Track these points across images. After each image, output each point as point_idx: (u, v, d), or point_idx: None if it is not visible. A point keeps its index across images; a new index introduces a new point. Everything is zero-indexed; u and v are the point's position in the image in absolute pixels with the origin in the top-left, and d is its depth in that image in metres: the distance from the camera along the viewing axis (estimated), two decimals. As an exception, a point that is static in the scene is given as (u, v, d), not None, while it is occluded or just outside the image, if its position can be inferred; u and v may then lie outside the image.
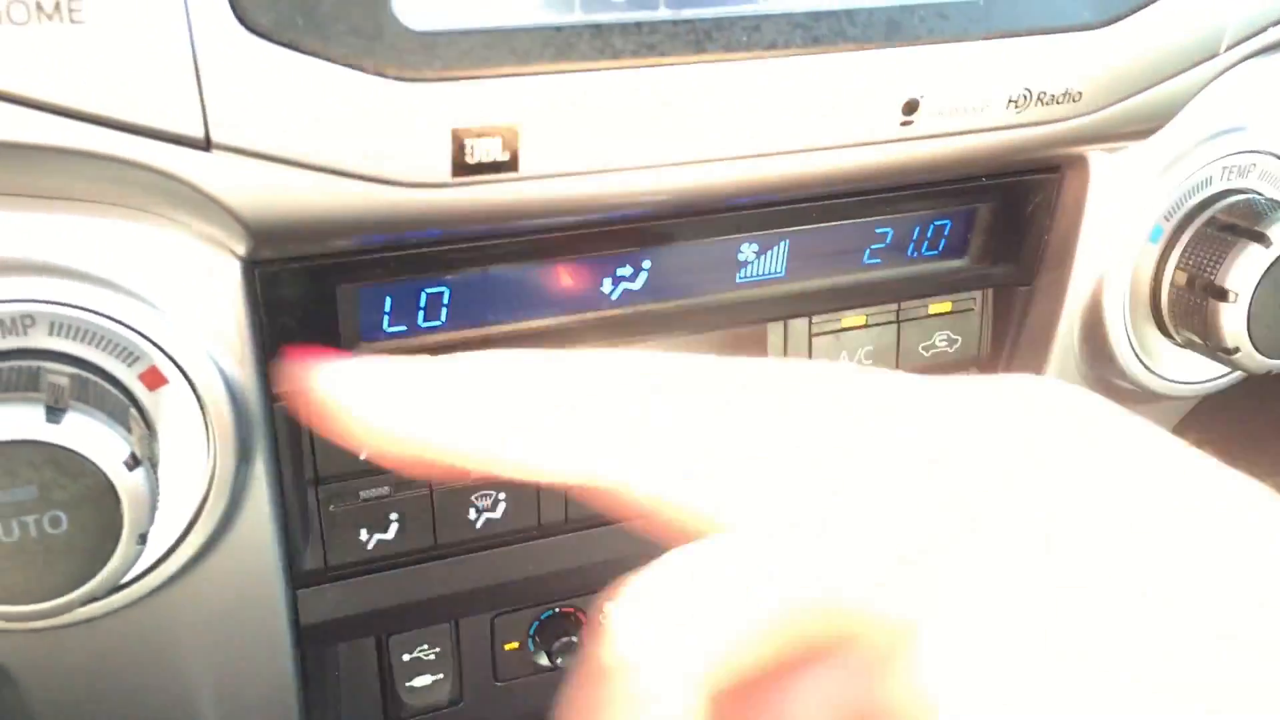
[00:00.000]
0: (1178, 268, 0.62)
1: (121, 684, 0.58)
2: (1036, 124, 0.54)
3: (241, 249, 0.48)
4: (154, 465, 0.47)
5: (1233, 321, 0.59)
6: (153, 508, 0.45)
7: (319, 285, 0.51)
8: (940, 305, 0.67)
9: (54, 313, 0.45)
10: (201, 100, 0.40)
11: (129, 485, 0.44)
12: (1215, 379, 0.69)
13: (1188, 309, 0.61)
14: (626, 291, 0.58)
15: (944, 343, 0.68)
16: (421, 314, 0.55)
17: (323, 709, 0.72)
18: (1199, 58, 0.56)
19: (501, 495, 0.62)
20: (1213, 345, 0.60)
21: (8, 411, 0.42)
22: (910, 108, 0.50)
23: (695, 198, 0.53)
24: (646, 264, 0.58)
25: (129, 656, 0.57)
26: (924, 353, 0.68)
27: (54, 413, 0.42)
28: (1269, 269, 0.58)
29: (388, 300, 0.54)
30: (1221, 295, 0.59)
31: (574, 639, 0.78)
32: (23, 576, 0.44)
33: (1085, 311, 0.66)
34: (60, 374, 0.45)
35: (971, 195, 0.62)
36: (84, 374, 0.45)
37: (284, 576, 0.58)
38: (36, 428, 0.42)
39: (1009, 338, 0.69)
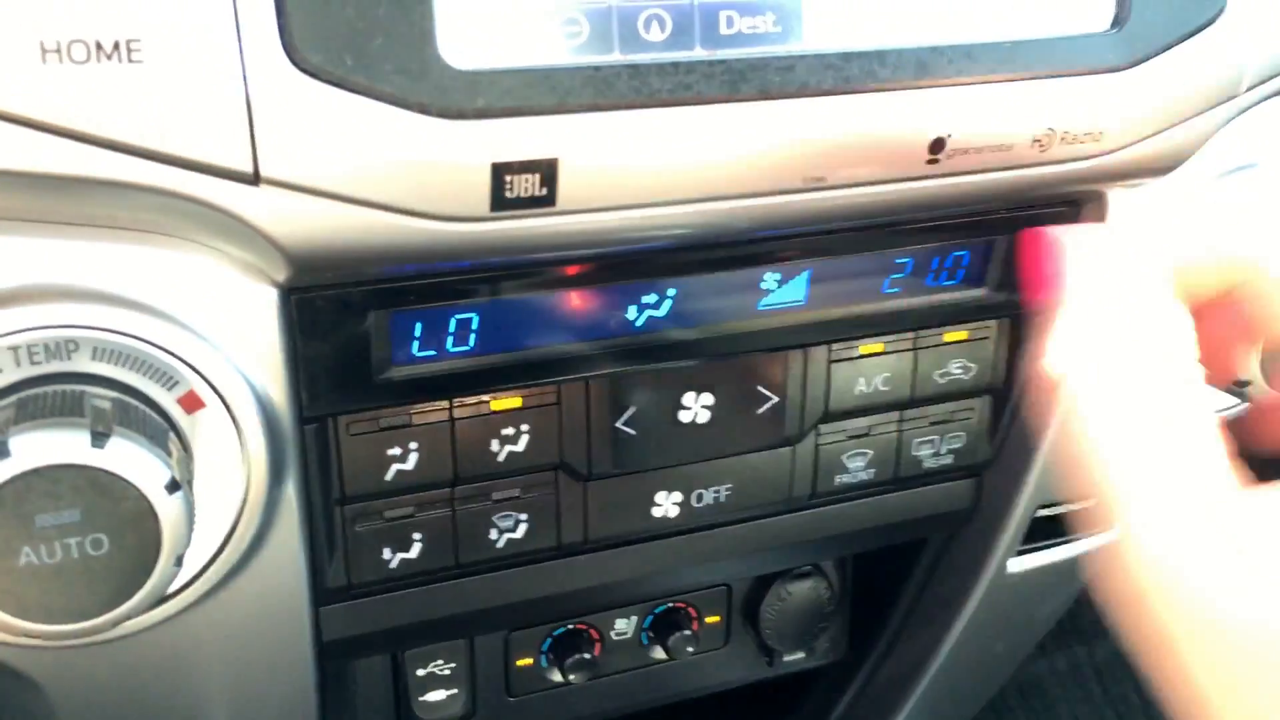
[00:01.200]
0: None
1: (147, 697, 0.59)
2: (1059, 161, 0.55)
3: (280, 277, 0.48)
4: (191, 487, 0.48)
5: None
6: (190, 530, 0.46)
7: (352, 311, 0.52)
8: (956, 334, 0.68)
9: (97, 338, 0.46)
10: (252, 136, 0.41)
11: (169, 508, 0.44)
12: (1225, 409, 0.70)
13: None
14: (650, 318, 0.59)
15: (959, 370, 0.69)
16: (451, 339, 0.56)
17: (339, 718, 0.73)
18: (1218, 99, 0.57)
19: (523, 516, 0.62)
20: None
21: (53, 436, 0.43)
22: (937, 146, 0.51)
23: (724, 230, 0.54)
24: (671, 292, 0.59)
25: (156, 671, 0.58)
26: (940, 380, 0.69)
27: (98, 437, 0.43)
28: None
29: (418, 326, 0.55)
30: None
31: (586, 655, 0.79)
32: (63, 597, 0.44)
33: (1100, 343, 0.67)
34: (103, 398, 0.45)
35: (990, 227, 0.63)
36: (125, 398, 0.46)
37: (309, 594, 0.58)
38: (82, 452, 0.43)
39: (1023, 366, 0.70)
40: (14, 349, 0.45)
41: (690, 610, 0.82)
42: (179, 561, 0.46)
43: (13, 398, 0.44)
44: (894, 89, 0.50)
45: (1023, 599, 0.84)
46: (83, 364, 0.46)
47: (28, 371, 0.45)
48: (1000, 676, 0.99)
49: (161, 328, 0.47)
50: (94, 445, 0.43)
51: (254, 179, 0.42)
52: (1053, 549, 0.80)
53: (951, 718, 1.01)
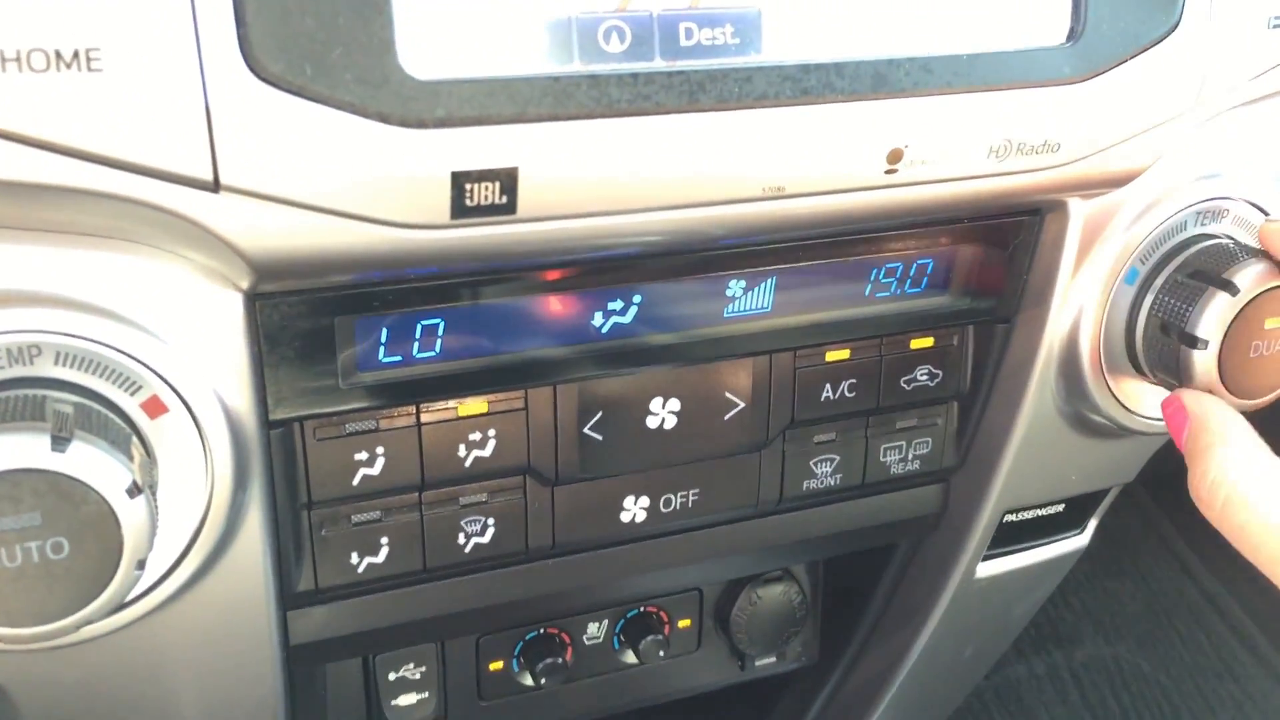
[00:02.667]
0: (1150, 313, 0.64)
1: (114, 701, 0.59)
2: (1016, 173, 0.55)
3: (244, 283, 0.49)
4: (153, 492, 0.48)
5: (1204, 367, 0.60)
6: (152, 534, 0.46)
7: (317, 317, 0.53)
8: (922, 340, 0.68)
9: (60, 343, 0.46)
10: (212, 144, 0.42)
11: (130, 513, 0.45)
12: None
13: (1161, 354, 0.63)
14: (616, 325, 0.60)
15: (925, 376, 0.70)
16: (417, 345, 0.56)
17: (309, 725, 0.73)
18: (1175, 112, 0.58)
19: (490, 521, 0.63)
20: (1185, 384, 0.62)
21: (13, 440, 0.43)
22: (895, 157, 0.52)
23: (686, 239, 0.54)
24: (636, 299, 0.59)
25: (122, 675, 0.58)
26: (906, 386, 0.69)
27: (59, 442, 0.43)
28: (1237, 316, 0.60)
29: (384, 331, 0.55)
30: (1192, 343, 0.61)
31: (558, 660, 0.79)
32: (24, 601, 0.45)
33: (1063, 348, 0.67)
34: (65, 403, 0.46)
35: (954, 236, 0.64)
36: (88, 403, 0.47)
37: (275, 598, 0.59)
38: (42, 456, 0.43)
39: (988, 373, 0.70)
40: None
41: (662, 615, 0.83)
42: (141, 565, 0.46)
43: (-27, 402, 0.45)
44: (851, 100, 0.50)
45: (992, 603, 0.84)
46: (45, 369, 0.47)
47: None
48: (972, 679, 1.00)
49: (124, 333, 0.47)
50: (55, 449, 0.43)
51: (214, 186, 0.42)
52: (1020, 553, 0.81)
53: (933, 710, 1.02)
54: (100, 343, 0.47)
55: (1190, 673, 1.45)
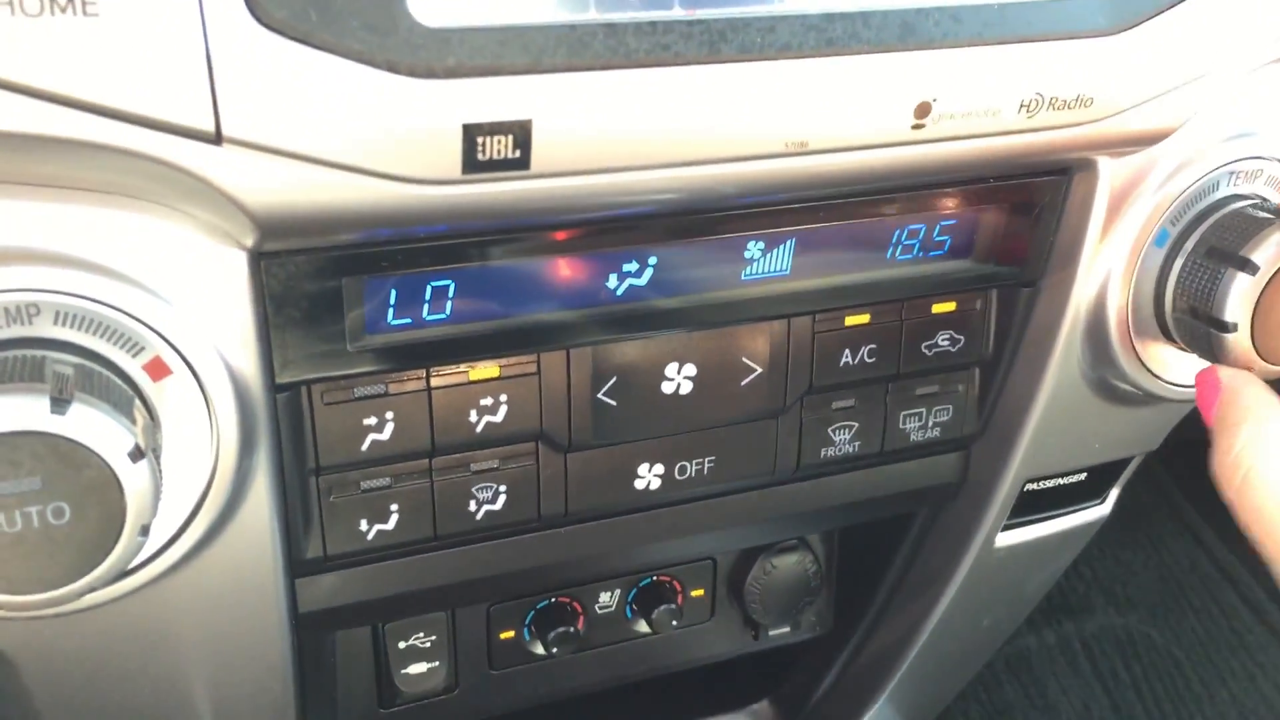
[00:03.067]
0: (1176, 294, 0.62)
1: (120, 669, 0.58)
2: (1047, 129, 0.53)
3: (248, 241, 0.47)
4: (157, 456, 0.47)
5: (1239, 348, 0.59)
6: (156, 499, 0.45)
7: (324, 278, 0.51)
8: (944, 305, 0.67)
9: (59, 302, 0.45)
10: (213, 94, 0.40)
11: (132, 477, 0.43)
12: None
13: (1194, 335, 0.62)
14: (631, 287, 0.58)
15: (946, 342, 0.68)
16: (427, 307, 0.55)
17: (319, 695, 0.72)
18: (1210, 66, 0.56)
19: (502, 487, 0.62)
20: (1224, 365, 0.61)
21: (12, 401, 0.42)
22: (923, 111, 0.50)
23: (705, 197, 0.53)
24: (652, 260, 0.58)
25: (127, 643, 0.57)
26: (927, 352, 0.68)
27: (58, 404, 0.42)
28: (1262, 293, 0.58)
29: (393, 293, 0.54)
30: (1222, 327, 0.59)
31: (569, 629, 0.78)
32: (25, 567, 0.43)
33: (1089, 313, 0.66)
34: (65, 364, 0.44)
35: (979, 197, 0.62)
36: (89, 364, 0.45)
37: (283, 565, 0.58)
38: (41, 419, 0.42)
39: (1011, 338, 0.69)
40: None
41: (674, 584, 0.82)
42: (145, 532, 0.45)
43: (-29, 362, 0.43)
44: (878, 51, 0.48)
45: (1010, 573, 0.83)
46: (44, 329, 0.45)
47: None
48: (986, 651, 0.99)
49: (126, 292, 0.46)
50: (54, 412, 0.42)
51: (216, 138, 0.41)
52: (1040, 523, 0.80)
53: (937, 692, 1.01)
54: (101, 302, 0.45)
55: (1202, 643, 1.45)
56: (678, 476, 0.66)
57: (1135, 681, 1.42)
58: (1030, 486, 0.75)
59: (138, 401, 0.46)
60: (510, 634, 0.79)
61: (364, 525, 0.60)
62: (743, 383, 0.64)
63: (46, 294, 0.45)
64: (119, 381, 0.46)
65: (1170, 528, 1.59)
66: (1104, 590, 1.50)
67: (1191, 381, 0.68)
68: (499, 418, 0.60)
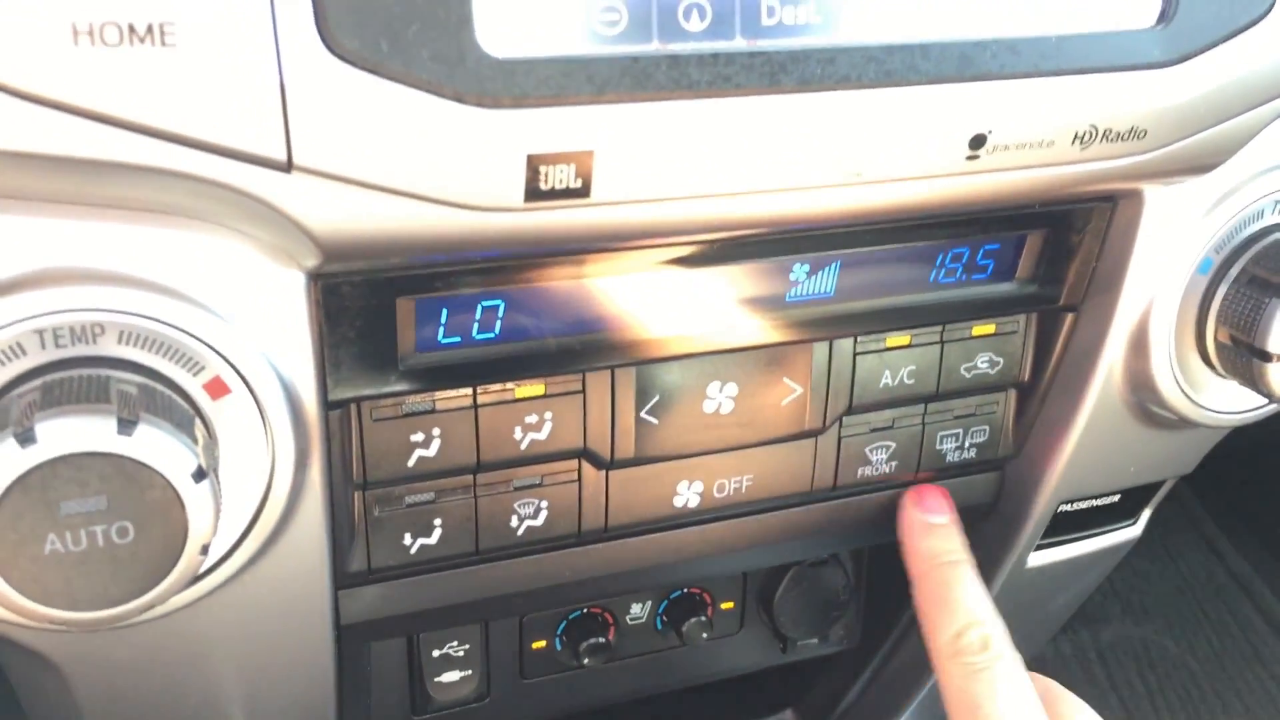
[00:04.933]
0: (1219, 321, 0.63)
1: (166, 680, 0.59)
2: (1100, 159, 0.54)
3: (309, 263, 0.48)
4: (216, 475, 0.47)
5: None
6: (216, 519, 0.45)
7: (379, 298, 0.52)
8: (984, 327, 0.67)
9: (123, 322, 0.45)
10: (286, 123, 0.40)
11: (195, 497, 0.44)
12: (1255, 409, 0.70)
13: (1235, 364, 0.62)
14: (677, 308, 0.59)
15: (985, 364, 0.68)
16: (476, 326, 0.55)
17: (355, 702, 0.73)
18: (1265, 97, 0.56)
19: (544, 503, 0.62)
20: (1264, 394, 0.61)
21: (80, 423, 0.42)
22: (978, 142, 0.50)
23: (758, 225, 0.53)
24: (700, 281, 0.58)
25: (175, 654, 0.58)
26: (965, 374, 0.68)
27: (125, 424, 0.42)
28: None
29: (444, 312, 0.54)
30: (1265, 357, 0.59)
31: (600, 639, 0.79)
32: (88, 584, 0.44)
33: (1130, 339, 0.66)
34: (129, 384, 0.45)
35: (1024, 222, 0.62)
36: (151, 384, 0.46)
37: (330, 578, 0.58)
38: (109, 440, 0.42)
39: (1051, 362, 0.69)
40: (39, 331, 0.44)
41: (705, 596, 0.82)
42: (205, 550, 0.45)
43: (38, 381, 0.44)
44: (936, 82, 0.49)
45: (1039, 591, 0.83)
46: (108, 348, 0.46)
47: (53, 355, 0.45)
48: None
49: (188, 312, 0.46)
50: (121, 433, 0.42)
51: (287, 166, 0.41)
52: (1072, 544, 0.80)
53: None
54: (164, 322, 0.46)
55: (1217, 655, 1.44)
56: (716, 494, 0.66)
57: (1150, 692, 1.42)
58: (1064, 508, 0.76)
59: (198, 420, 0.47)
60: (542, 644, 0.80)
61: (407, 539, 0.60)
62: (783, 402, 0.65)
63: (110, 314, 0.45)
64: (181, 401, 0.46)
65: (1188, 539, 1.59)
66: (1121, 600, 1.50)
67: (1231, 407, 0.69)
68: (543, 435, 0.60)
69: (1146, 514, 0.82)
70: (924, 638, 0.62)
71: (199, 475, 0.44)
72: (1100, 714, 1.34)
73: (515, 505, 0.62)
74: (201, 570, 0.51)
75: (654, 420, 0.62)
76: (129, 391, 0.44)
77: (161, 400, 0.45)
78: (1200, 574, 1.57)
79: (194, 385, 0.48)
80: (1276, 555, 1.52)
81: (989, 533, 0.78)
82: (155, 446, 0.43)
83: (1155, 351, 0.66)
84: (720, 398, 0.63)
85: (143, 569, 0.44)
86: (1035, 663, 1.37)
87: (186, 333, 0.46)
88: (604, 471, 0.63)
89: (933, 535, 0.67)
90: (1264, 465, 1.37)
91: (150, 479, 0.43)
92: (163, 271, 0.46)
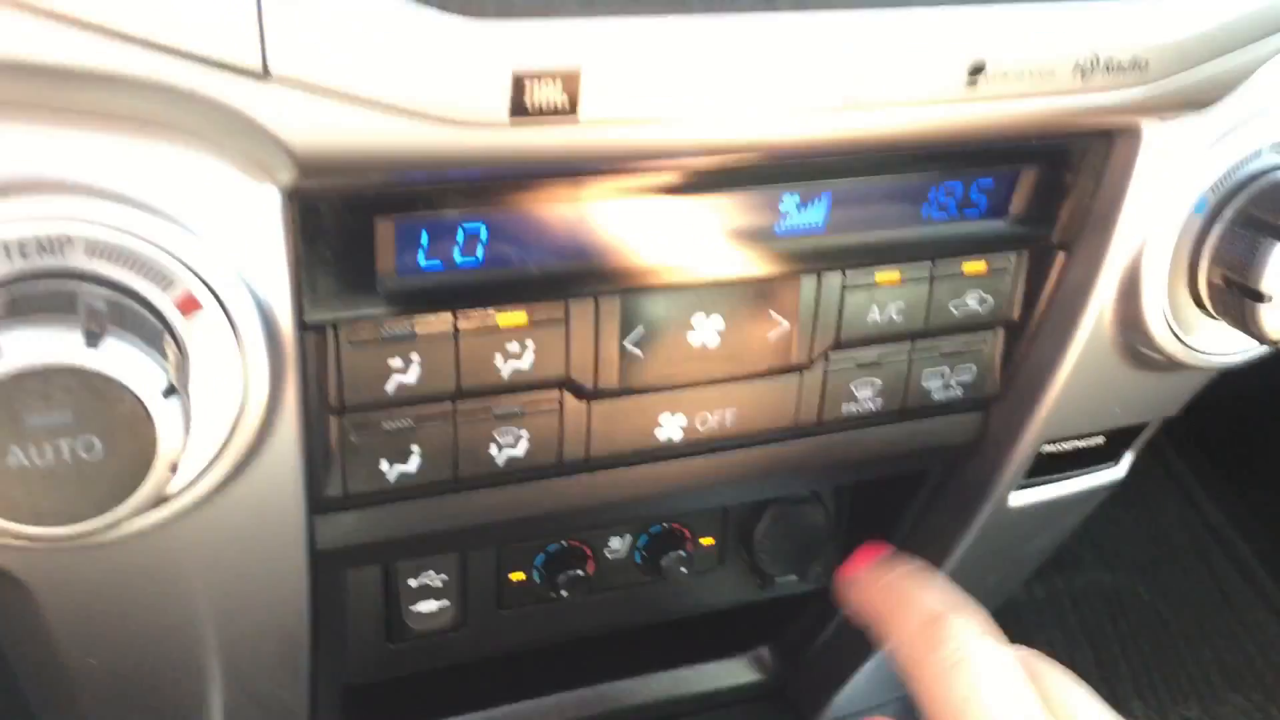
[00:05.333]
0: (1212, 262, 0.62)
1: (137, 601, 0.58)
2: (1100, 90, 0.52)
3: (285, 178, 0.46)
4: (186, 392, 0.46)
5: (1273, 320, 0.58)
6: (186, 435, 0.44)
7: (357, 217, 0.50)
8: (974, 265, 0.66)
9: (91, 234, 0.44)
10: (261, 29, 0.39)
11: (164, 413, 0.43)
12: (1244, 352, 0.69)
13: (1227, 305, 0.61)
14: (665, 237, 0.57)
15: (975, 302, 0.67)
16: (458, 250, 0.54)
17: (329, 630, 0.72)
18: (1266, 30, 0.55)
19: (525, 433, 0.61)
20: (1255, 336, 0.60)
21: (45, 334, 0.41)
22: (977, 69, 0.49)
23: (752, 150, 0.52)
24: (687, 211, 0.57)
25: (146, 575, 0.57)
26: (954, 311, 0.67)
27: (92, 337, 0.41)
28: None
29: (425, 235, 0.53)
30: (1258, 297, 0.58)
31: (579, 572, 0.78)
32: (53, 499, 0.43)
33: (1122, 278, 0.65)
34: (97, 297, 0.43)
35: (1018, 157, 0.61)
36: (120, 298, 0.44)
37: (305, 503, 0.57)
38: (75, 352, 0.41)
39: (1041, 301, 0.68)
40: (4, 243, 0.43)
41: (685, 532, 0.82)
42: (173, 468, 0.44)
43: (2, 293, 0.42)
44: (936, 5, 0.47)
45: (1019, 532, 0.83)
46: (76, 260, 0.44)
47: (19, 266, 0.43)
48: (988, 608, 0.99)
49: (159, 225, 0.45)
50: (88, 346, 0.41)
51: (262, 73, 0.40)
52: (1055, 483, 0.80)
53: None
54: (134, 234, 0.44)
55: (1189, 602, 1.46)
56: (699, 427, 0.65)
57: (1121, 637, 1.43)
58: (1047, 449, 0.75)
59: (169, 337, 0.46)
60: (520, 576, 0.80)
61: (385, 465, 0.59)
62: (769, 336, 0.64)
63: (79, 224, 0.44)
64: (150, 316, 0.45)
65: (1161, 486, 1.60)
66: (1094, 546, 1.51)
67: (1222, 349, 0.68)
68: (525, 363, 0.59)
69: (1129, 456, 0.82)
70: (888, 650, 0.53)
71: (169, 391, 0.43)
72: (1072, 659, 1.35)
73: (495, 434, 0.61)
74: (173, 490, 0.51)
75: (638, 351, 0.61)
76: (96, 305, 0.43)
77: (130, 315, 0.44)
78: (1174, 522, 1.58)
79: (165, 301, 0.46)
80: (1250, 504, 1.54)
81: (971, 471, 0.78)
82: (123, 361, 0.42)
83: (1147, 292, 0.65)
84: (706, 329, 0.62)
85: (110, 485, 0.43)
86: (1008, 607, 1.38)
87: (157, 246, 0.45)
88: (586, 402, 0.62)
89: (868, 571, 0.59)
90: (1240, 415, 1.37)
91: (118, 394, 0.42)
92: (133, 184, 0.45)
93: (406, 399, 0.58)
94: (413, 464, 0.60)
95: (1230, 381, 0.77)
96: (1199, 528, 1.57)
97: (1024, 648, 0.52)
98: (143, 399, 0.42)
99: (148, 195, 0.45)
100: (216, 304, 0.47)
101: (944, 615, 0.51)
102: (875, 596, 0.56)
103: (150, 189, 0.45)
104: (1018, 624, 1.41)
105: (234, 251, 0.47)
